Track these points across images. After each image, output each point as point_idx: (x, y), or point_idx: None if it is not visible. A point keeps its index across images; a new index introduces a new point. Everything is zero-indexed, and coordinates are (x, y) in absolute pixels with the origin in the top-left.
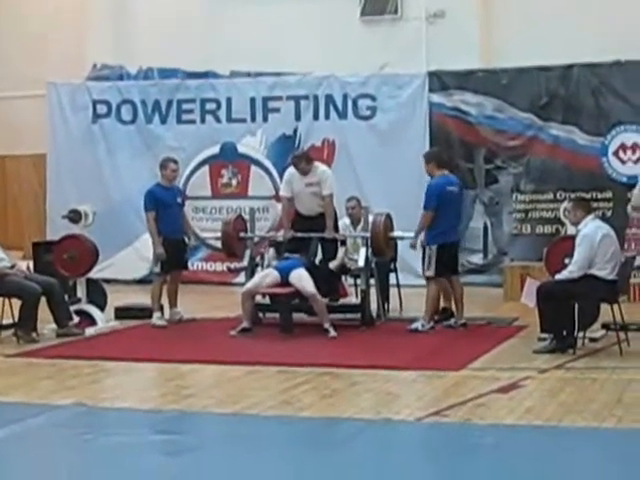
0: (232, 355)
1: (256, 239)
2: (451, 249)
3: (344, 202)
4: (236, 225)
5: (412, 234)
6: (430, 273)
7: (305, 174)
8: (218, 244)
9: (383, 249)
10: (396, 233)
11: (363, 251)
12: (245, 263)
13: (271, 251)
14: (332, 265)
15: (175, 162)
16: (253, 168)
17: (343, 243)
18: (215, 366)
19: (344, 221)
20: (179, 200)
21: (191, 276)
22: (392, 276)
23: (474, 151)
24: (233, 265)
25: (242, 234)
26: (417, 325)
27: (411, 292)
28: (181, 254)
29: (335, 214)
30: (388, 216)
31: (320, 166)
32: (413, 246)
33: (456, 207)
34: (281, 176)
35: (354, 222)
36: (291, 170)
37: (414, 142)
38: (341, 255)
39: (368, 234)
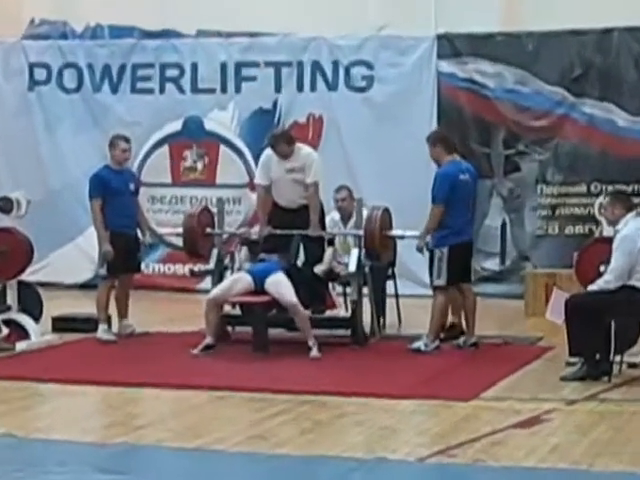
0: (194, 378)
1: (225, 236)
2: (464, 251)
3: (332, 193)
4: (201, 219)
5: (415, 232)
6: (441, 282)
7: (285, 158)
8: (179, 242)
9: (379, 250)
10: (395, 231)
11: (355, 253)
12: (211, 265)
13: (243, 251)
14: (317, 269)
15: (127, 140)
16: (223, 149)
17: (331, 243)
18: (173, 391)
19: (332, 216)
20: (132, 187)
21: (145, 280)
22: (390, 284)
23: (491, 132)
24: (197, 268)
25: (208, 230)
26: (419, 344)
27: (412, 303)
28: (133, 253)
29: (321, 207)
30: (386, 211)
31: (304, 148)
32: (421, 249)
33: (470, 200)
34: (257, 160)
35: (344, 217)
36: (268, 152)
37: (419, 120)
38: (328, 258)
39: (361, 232)
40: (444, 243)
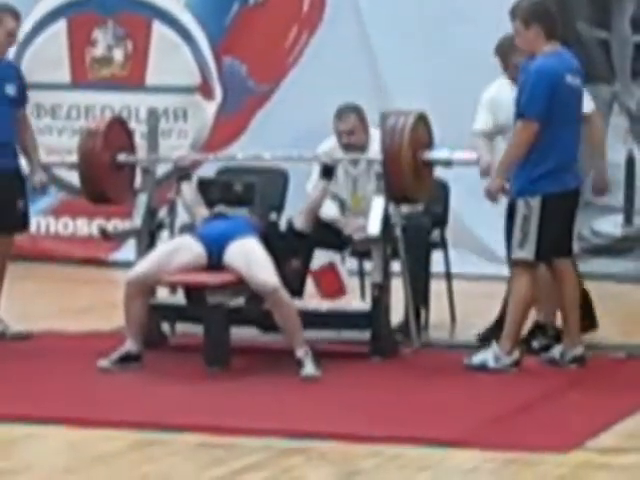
0: (104, 409)
1: (159, 170)
2: (568, 205)
3: (333, 119)
4: (110, 138)
5: (473, 155)
6: (525, 254)
7: None
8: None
9: (409, 186)
10: (437, 152)
11: (379, 203)
12: (136, 222)
13: (186, 193)
14: (299, 221)
15: (16, 17)
16: (158, 29)
17: (327, 173)
18: (69, 430)
19: (329, 144)
20: (10, 90)
21: (27, 246)
22: (437, 257)
23: (613, 6)
24: (112, 225)
25: (122, 157)
26: (485, 358)
27: (475, 290)
28: (11, 199)
29: None
30: (421, 119)
31: None
32: (494, 194)
33: (579, 117)
34: (214, 47)
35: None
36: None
37: None
38: (319, 194)
39: (379, 157)
40: (535, 190)
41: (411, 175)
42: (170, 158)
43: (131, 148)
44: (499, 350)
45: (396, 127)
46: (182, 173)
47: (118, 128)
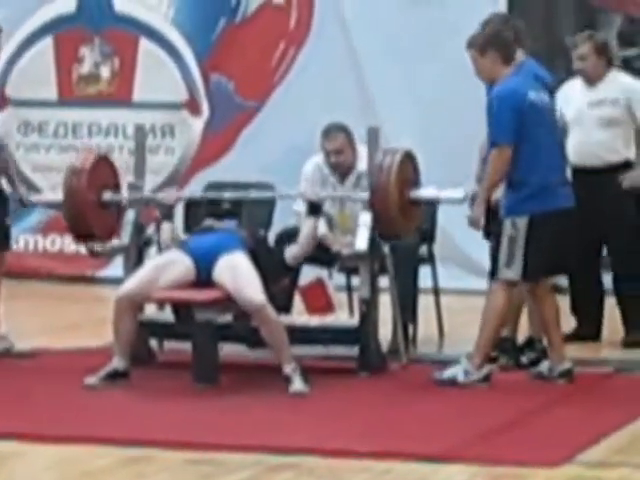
0: (93, 426)
1: (147, 186)
2: (558, 224)
3: (320, 138)
4: (95, 175)
5: (459, 193)
6: (512, 274)
7: (593, 81)
8: None
9: (396, 223)
10: (424, 191)
11: (366, 219)
12: (124, 239)
13: (165, 232)
14: (290, 255)
15: None
16: (145, 45)
17: (315, 211)
18: (58, 447)
19: (316, 161)
20: None
21: (13, 263)
22: (425, 272)
23: (598, 19)
24: (99, 245)
25: (107, 196)
26: (455, 372)
27: (462, 304)
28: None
29: None
30: (407, 157)
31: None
32: (477, 222)
33: (556, 133)
34: (200, 62)
35: (340, 173)
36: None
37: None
38: (308, 234)
39: (366, 195)
40: (522, 210)
41: (399, 214)
42: (155, 197)
43: (116, 185)
44: (469, 365)
45: (383, 166)
46: (165, 211)
47: (103, 165)
